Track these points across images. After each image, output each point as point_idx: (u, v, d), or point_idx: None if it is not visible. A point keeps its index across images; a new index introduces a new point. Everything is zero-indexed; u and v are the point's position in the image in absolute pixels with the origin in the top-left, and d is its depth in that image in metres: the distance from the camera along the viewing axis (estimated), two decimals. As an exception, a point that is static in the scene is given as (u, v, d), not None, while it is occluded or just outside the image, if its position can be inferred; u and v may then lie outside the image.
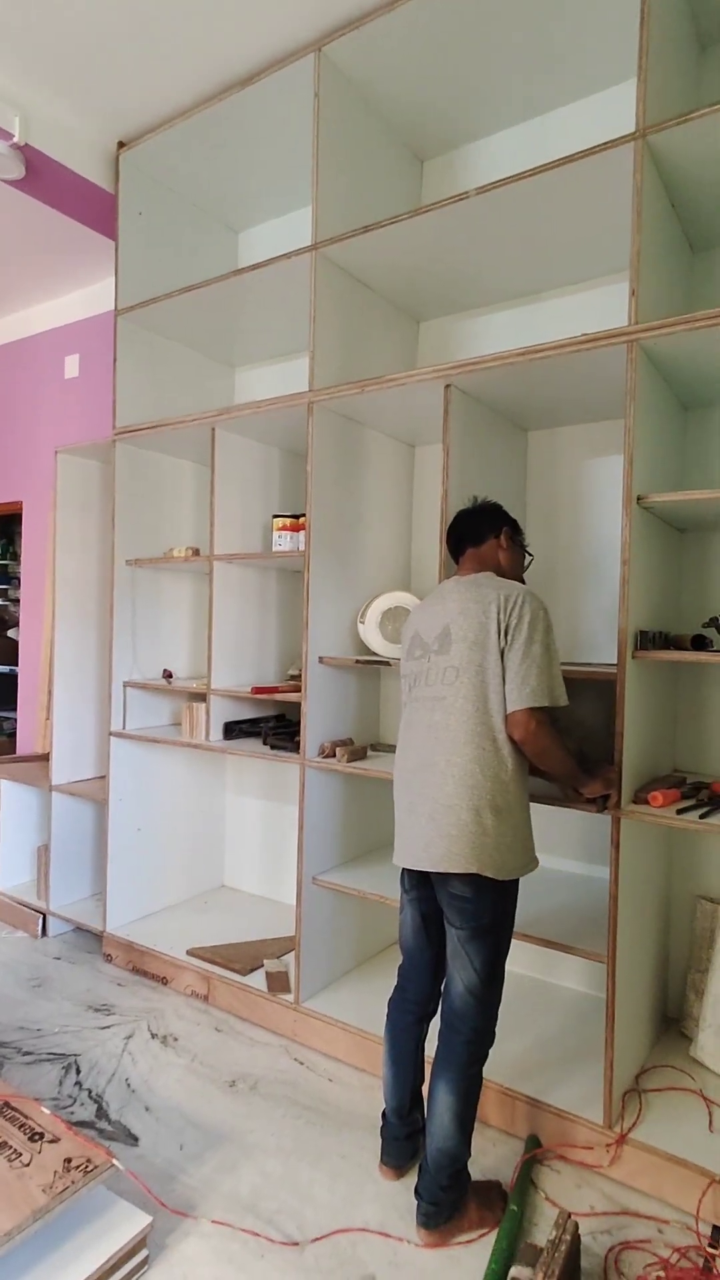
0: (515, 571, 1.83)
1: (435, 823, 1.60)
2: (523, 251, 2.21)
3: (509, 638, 1.59)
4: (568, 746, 1.65)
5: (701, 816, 1.69)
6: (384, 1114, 1.79)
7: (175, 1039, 2.33)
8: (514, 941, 1.71)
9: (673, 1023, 2.20)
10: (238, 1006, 2.45)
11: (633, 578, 1.76)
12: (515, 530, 1.85)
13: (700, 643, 1.88)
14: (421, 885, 1.71)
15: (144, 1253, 1.51)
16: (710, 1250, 1.57)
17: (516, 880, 1.65)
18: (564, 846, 2.40)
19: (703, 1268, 1.52)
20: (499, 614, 1.60)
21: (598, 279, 2.31)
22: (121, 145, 2.75)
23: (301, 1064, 2.22)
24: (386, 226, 2.12)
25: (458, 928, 1.61)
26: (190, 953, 2.63)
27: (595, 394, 2.09)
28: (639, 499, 1.77)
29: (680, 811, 1.72)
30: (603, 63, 2.17)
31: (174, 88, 2.47)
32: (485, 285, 2.43)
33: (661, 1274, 1.50)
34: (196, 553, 2.77)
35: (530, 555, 1.94)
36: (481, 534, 1.81)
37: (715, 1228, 1.62)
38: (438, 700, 1.64)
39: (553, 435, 2.43)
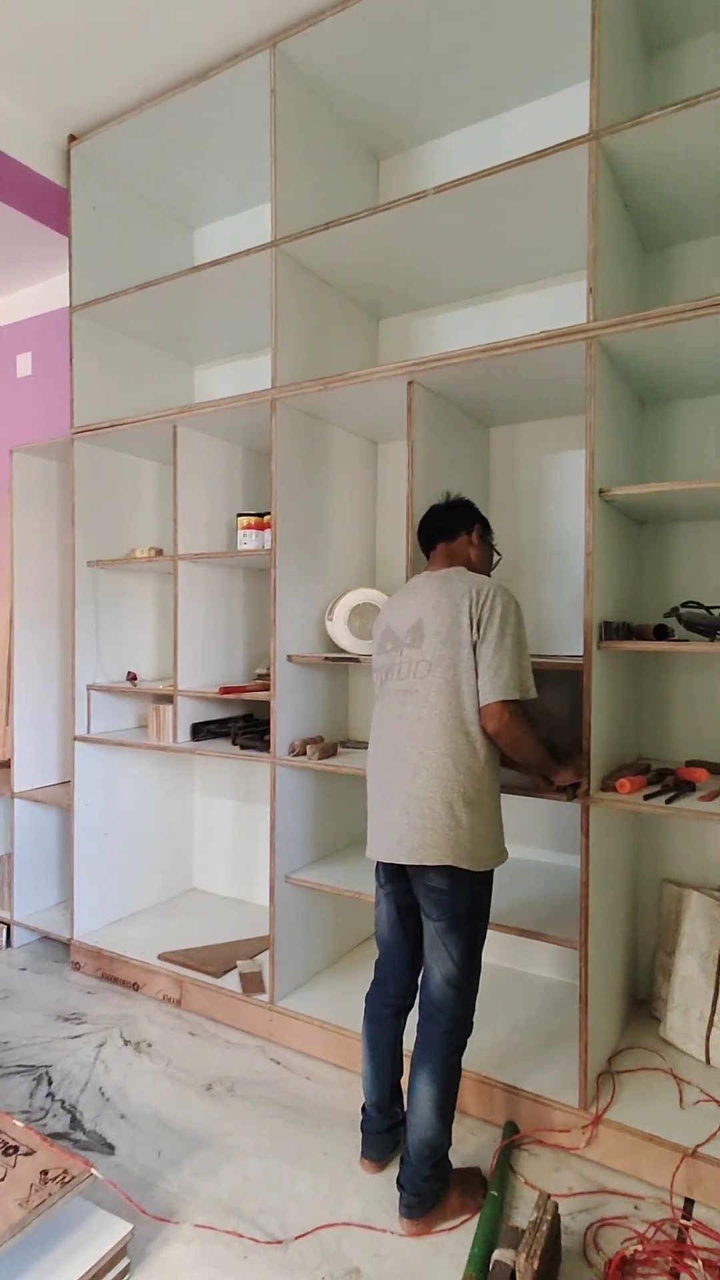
0: (484, 568, 1.86)
1: (409, 815, 1.61)
2: (481, 250, 2.24)
3: (481, 631, 1.60)
4: (540, 737, 1.68)
5: (668, 801, 1.74)
6: (364, 1109, 1.80)
7: (149, 1045, 2.30)
8: (488, 932, 1.73)
9: (642, 1004, 2.25)
10: (212, 1009, 2.43)
11: (596, 570, 1.80)
12: (486, 528, 1.88)
13: (662, 632, 1.93)
14: (397, 879, 1.72)
15: (125, 1261, 1.49)
16: (684, 1222, 1.61)
17: (491, 871, 1.67)
18: (534, 836, 2.44)
19: (677, 1239, 1.57)
20: (471, 607, 1.62)
21: (556, 277, 2.35)
22: (73, 139, 2.70)
23: (279, 1064, 2.21)
24: (346, 224, 2.12)
25: (435, 919, 1.63)
26: (162, 957, 2.59)
27: (555, 390, 2.13)
28: (601, 492, 1.81)
29: (647, 797, 1.77)
30: (555, 65, 2.21)
31: (126, 82, 2.43)
32: (445, 283, 2.46)
33: (639, 1247, 1.54)
34: (160, 553, 2.74)
35: (499, 554, 1.96)
36: (454, 529, 1.82)
37: (688, 1200, 1.67)
38: (409, 693, 1.65)
39: (514, 431, 2.46)
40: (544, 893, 2.16)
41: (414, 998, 1.78)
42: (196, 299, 2.59)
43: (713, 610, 1.91)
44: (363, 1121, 1.80)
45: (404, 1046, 1.79)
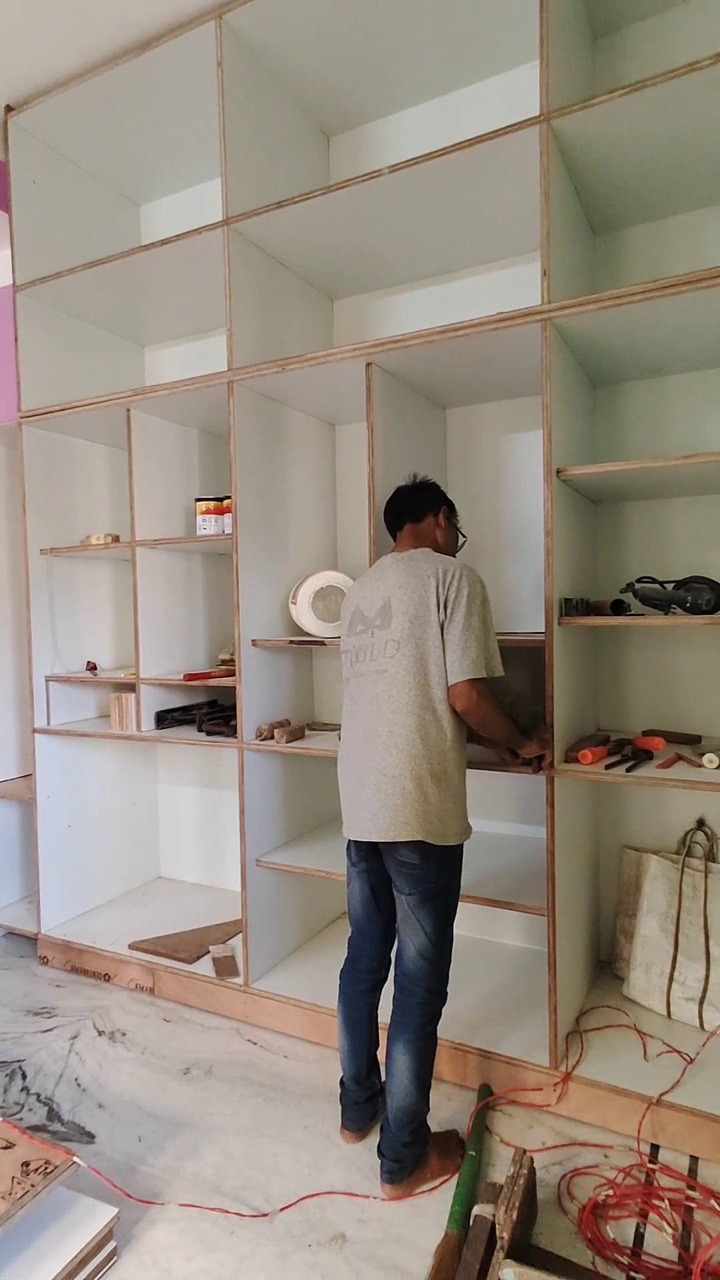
0: (450, 550, 1.88)
1: (380, 793, 1.63)
2: (436, 231, 2.24)
3: (448, 610, 1.63)
4: (506, 712, 1.72)
5: (627, 770, 1.80)
6: (342, 1082, 1.84)
7: (123, 1034, 2.29)
8: (459, 904, 1.78)
9: (605, 966, 2.34)
10: (186, 995, 2.44)
11: (555, 548, 1.84)
12: (452, 510, 1.90)
13: (619, 608, 1.99)
14: (369, 857, 1.75)
15: (112, 1244, 1.49)
16: (650, 1166, 1.70)
17: (461, 845, 1.71)
18: (500, 810, 2.50)
19: (644, 1182, 1.65)
20: (438, 588, 1.64)
21: (510, 259, 2.38)
22: (9, 109, 2.59)
23: (255, 1044, 2.23)
24: (301, 202, 2.10)
25: (407, 894, 1.66)
26: (132, 946, 2.58)
27: (511, 372, 2.16)
28: (558, 472, 1.85)
29: (608, 767, 1.83)
30: (505, 45, 2.21)
31: (65, 50, 2.34)
32: (400, 264, 2.45)
33: (610, 1193, 1.61)
34: (117, 539, 2.69)
35: (464, 536, 1.98)
36: (420, 511, 1.84)
37: (654, 1146, 1.76)
38: (380, 673, 1.67)
39: (471, 412, 2.49)
40: (511, 864, 2.22)
41: (387, 972, 1.82)
42: (146, 278, 2.53)
43: (666, 585, 1.98)
44: (341, 1094, 1.84)
45: (379, 1020, 1.83)
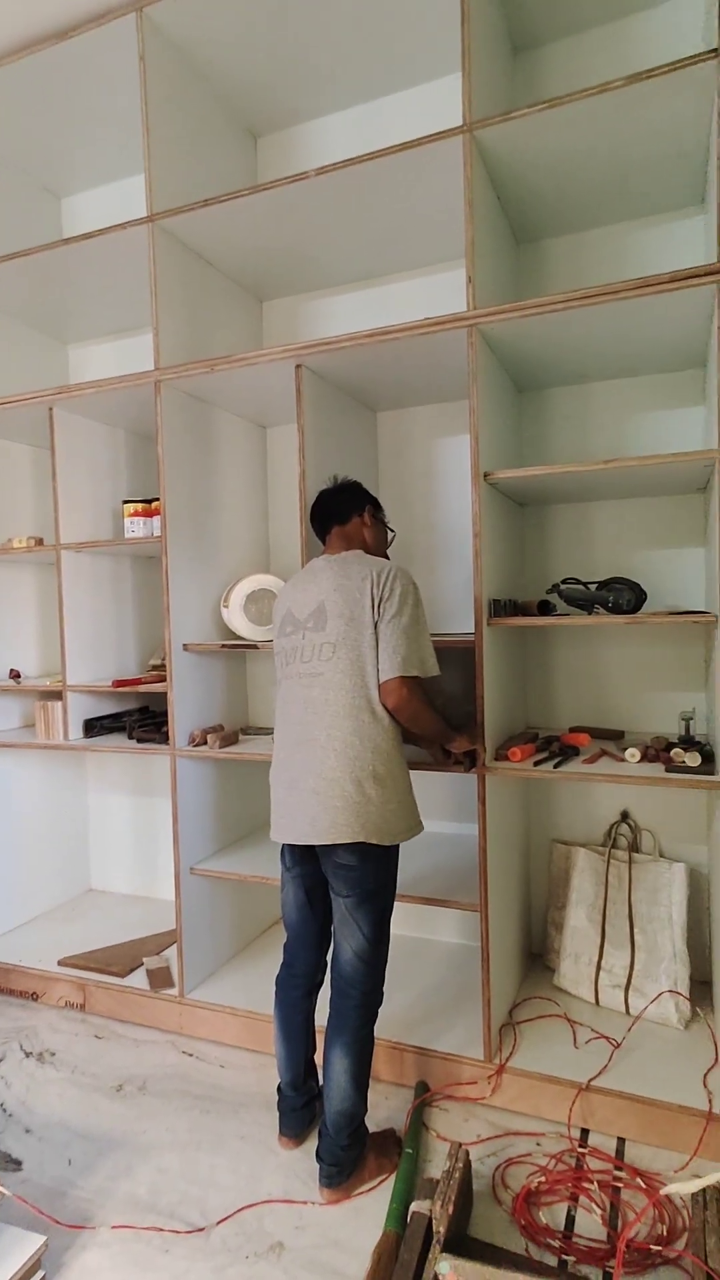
0: (380, 548, 1.89)
1: (319, 796, 1.63)
2: (365, 235, 2.26)
3: (381, 610, 1.64)
4: (437, 708, 1.74)
5: (555, 766, 1.85)
6: (279, 1088, 1.83)
7: (52, 1054, 2.22)
8: (395, 903, 1.79)
9: (537, 958, 2.40)
10: (119, 1010, 2.37)
11: (484, 550, 1.88)
12: (377, 508, 1.91)
13: (545, 608, 2.04)
14: (304, 861, 1.74)
15: (40, 1274, 1.44)
16: (580, 1150, 1.75)
17: (398, 845, 1.72)
18: (433, 809, 2.52)
19: (575, 1166, 1.70)
20: (372, 589, 1.65)
21: (439, 264, 2.41)
22: None
23: (191, 1055, 2.19)
24: (227, 201, 2.08)
25: (345, 896, 1.66)
26: (62, 962, 2.50)
27: (439, 377, 2.19)
28: (485, 475, 1.88)
29: (537, 763, 1.88)
30: (430, 55, 2.25)
31: (-21, 34, 2.25)
32: (330, 266, 2.46)
33: (542, 1179, 1.65)
34: (40, 542, 2.60)
35: (393, 531, 2.00)
36: (346, 513, 1.85)
37: (584, 1130, 1.81)
38: (315, 676, 1.67)
39: (401, 416, 2.51)
40: (445, 862, 2.25)
41: (323, 975, 1.82)
42: (68, 273, 2.45)
43: (590, 586, 2.04)
44: (279, 1101, 1.83)
45: (315, 1024, 1.83)
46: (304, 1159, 1.76)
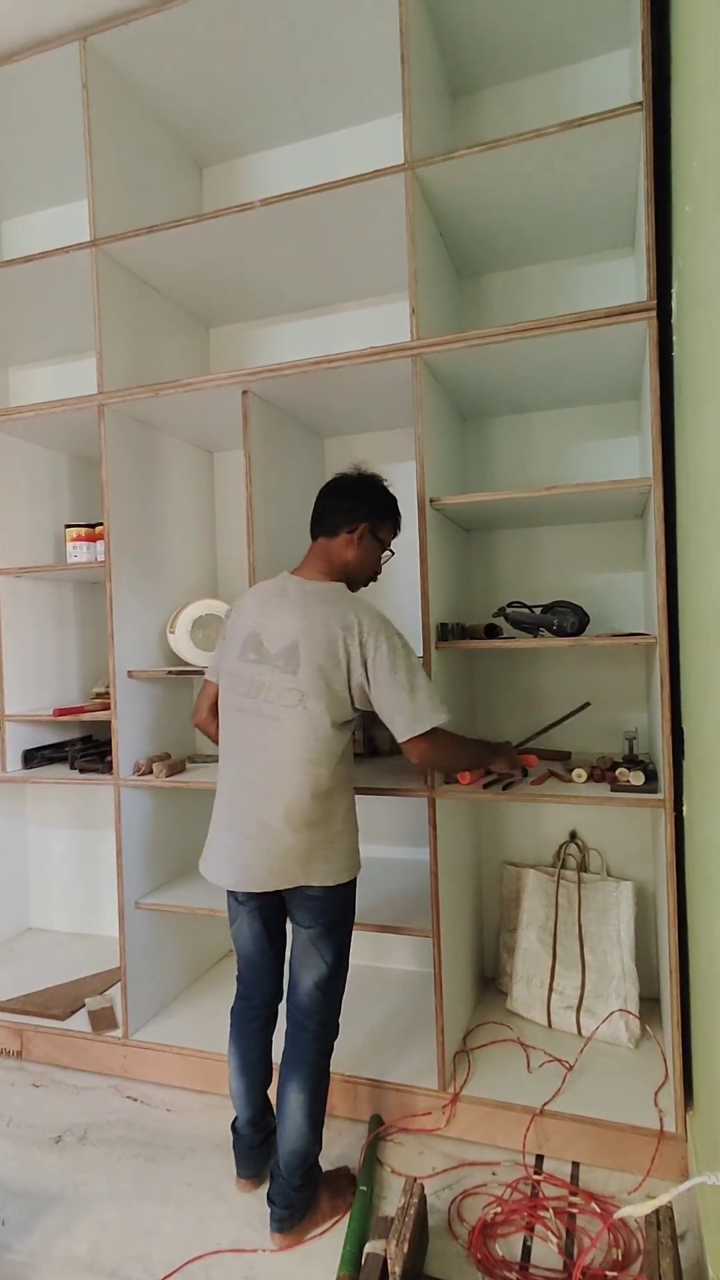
0: (362, 570, 1.73)
1: (257, 843, 1.58)
2: (310, 265, 2.29)
3: (370, 670, 1.54)
4: (466, 744, 1.70)
5: (504, 788, 1.87)
6: (234, 1127, 1.76)
7: (-14, 1107, 2.09)
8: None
9: (490, 982, 2.39)
10: (59, 1055, 2.26)
11: (431, 575, 1.90)
12: (379, 523, 1.72)
13: (492, 631, 2.07)
14: (260, 895, 1.67)
15: (-31, 1349, 1.34)
16: (535, 1177, 1.73)
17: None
18: (383, 834, 2.51)
19: (530, 1194, 1.68)
20: (351, 645, 1.55)
21: (382, 295, 2.46)
22: None
23: (136, 1100, 2.10)
24: (171, 229, 2.08)
25: (308, 926, 1.62)
26: (-3, 1008, 2.38)
27: (385, 404, 2.23)
28: (431, 501, 1.91)
29: (485, 786, 1.89)
30: (372, 95, 2.32)
31: None
32: (275, 295, 2.48)
33: (497, 1210, 1.63)
34: (-23, 567, 2.51)
35: (391, 552, 1.81)
36: (336, 524, 1.69)
37: (538, 1156, 1.80)
38: (273, 720, 1.58)
39: (348, 442, 2.54)
40: (396, 888, 2.23)
41: (278, 1006, 1.77)
42: (8, 296, 2.41)
43: (535, 609, 2.08)
44: (235, 1141, 1.76)
45: (273, 1057, 1.78)
46: (254, 1204, 1.70)
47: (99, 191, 2.14)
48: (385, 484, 1.77)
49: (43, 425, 2.38)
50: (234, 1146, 1.76)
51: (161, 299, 2.44)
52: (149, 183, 2.36)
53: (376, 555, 1.76)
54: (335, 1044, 1.69)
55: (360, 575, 1.74)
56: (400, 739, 1.56)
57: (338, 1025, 1.69)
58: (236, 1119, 1.76)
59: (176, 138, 2.49)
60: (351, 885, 1.67)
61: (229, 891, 1.72)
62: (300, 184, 2.08)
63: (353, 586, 1.74)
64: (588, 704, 2.11)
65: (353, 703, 1.58)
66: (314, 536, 1.73)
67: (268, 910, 1.70)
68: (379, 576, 1.81)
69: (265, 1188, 1.71)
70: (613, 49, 2.17)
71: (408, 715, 1.54)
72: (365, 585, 1.79)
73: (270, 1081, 1.77)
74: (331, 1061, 1.69)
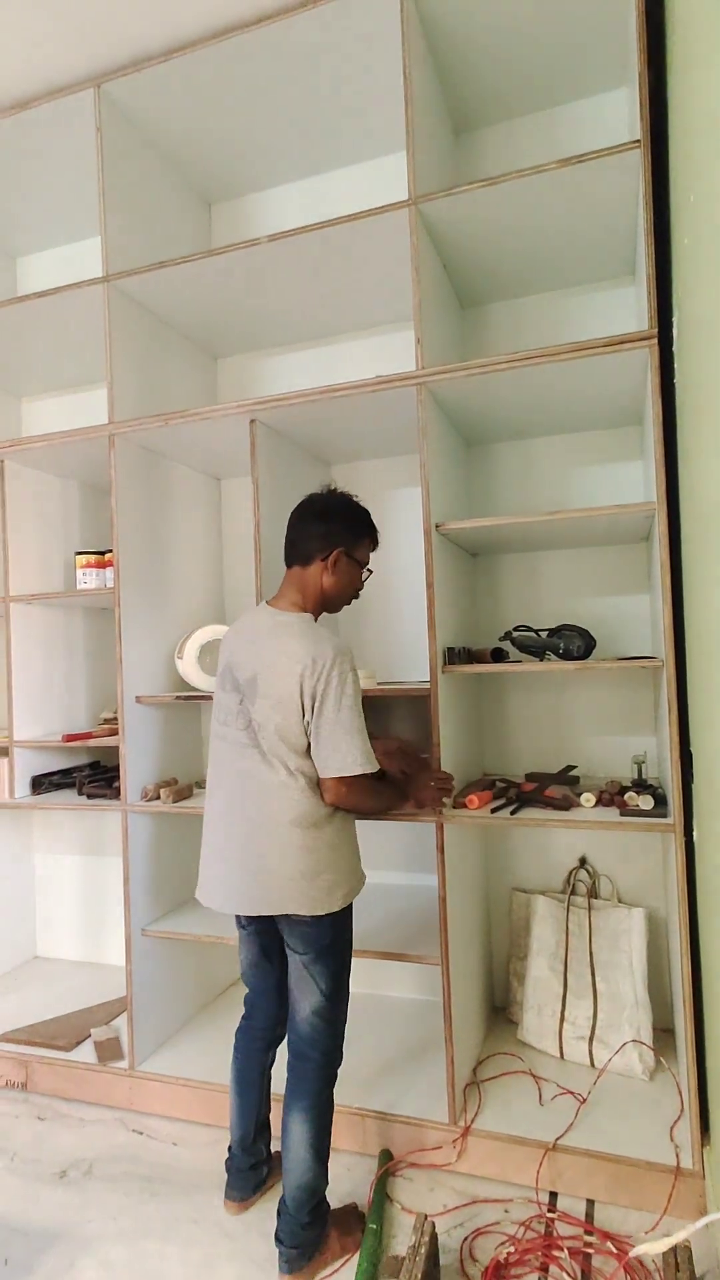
0: (341, 594, 1.71)
1: (244, 869, 1.60)
2: (315, 297, 2.34)
3: (316, 705, 1.54)
4: (378, 789, 1.67)
5: (513, 813, 1.85)
6: (229, 1147, 1.75)
7: (-10, 1140, 2.06)
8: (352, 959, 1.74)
9: (500, 1011, 2.35)
10: (64, 1087, 2.23)
11: (437, 599, 1.91)
12: (352, 546, 1.69)
13: (498, 655, 2.07)
14: (258, 919, 1.69)
15: None
16: (549, 1215, 1.69)
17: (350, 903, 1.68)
18: (388, 860, 2.49)
19: (544, 1233, 1.64)
20: (304, 677, 1.54)
21: (386, 325, 2.51)
22: None
23: (141, 1134, 2.07)
24: (180, 264, 2.13)
25: (301, 953, 1.62)
26: (2, 1038, 2.35)
27: (389, 432, 2.26)
28: (437, 526, 1.93)
29: (494, 810, 1.88)
30: (377, 135, 2.38)
31: (-63, 101, 2.31)
32: (282, 327, 2.53)
33: (510, 1250, 1.59)
34: (-12, 594, 2.54)
35: (369, 571, 1.78)
36: (309, 552, 1.66)
37: (552, 1194, 1.75)
38: (246, 748, 1.61)
39: (353, 469, 2.57)
40: (400, 914, 2.21)
41: (283, 1029, 1.76)
42: (23, 330, 2.47)
43: (541, 633, 2.09)
44: (228, 1160, 1.76)
45: (272, 1082, 1.76)
46: (262, 1243, 1.66)
47: (111, 229, 2.20)
48: (355, 501, 1.74)
49: (55, 455, 2.42)
50: (226, 1165, 1.76)
51: (171, 331, 2.49)
52: (159, 220, 2.42)
53: (356, 576, 1.73)
54: (339, 1073, 1.67)
55: (339, 599, 1.72)
56: (326, 775, 1.56)
57: (341, 1054, 1.67)
58: (231, 1141, 1.76)
59: (185, 177, 2.57)
60: (343, 914, 1.65)
61: (236, 915, 1.73)
62: (306, 220, 2.14)
63: (333, 609, 1.74)
64: (574, 766, 2.17)
65: (305, 733, 1.57)
66: (288, 564, 1.71)
67: (266, 934, 1.71)
68: (359, 594, 1.79)
69: (253, 1214, 1.70)
70: (611, 87, 2.23)
71: (342, 755, 1.53)
72: (347, 604, 1.77)
73: (268, 1105, 1.76)
74: (336, 1092, 1.67)
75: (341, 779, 1.55)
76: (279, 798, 1.57)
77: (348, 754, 1.54)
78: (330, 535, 1.66)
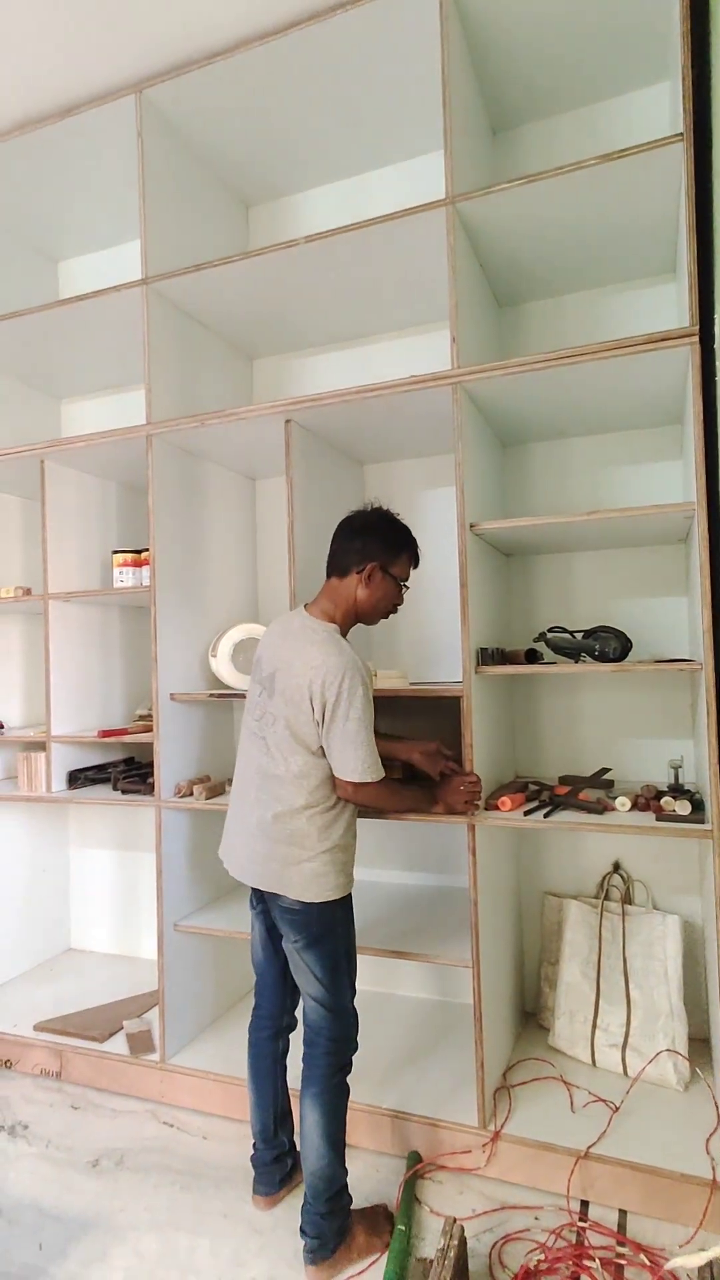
0: (376, 607, 1.75)
1: (250, 847, 1.70)
2: (351, 298, 2.34)
3: (325, 714, 1.60)
4: (397, 791, 1.75)
5: (546, 816, 1.84)
6: (253, 1143, 1.78)
7: (24, 1127, 2.11)
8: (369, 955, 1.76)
9: (530, 1016, 2.33)
10: (96, 1077, 2.27)
11: (470, 599, 1.90)
12: (389, 562, 1.74)
13: (532, 656, 2.05)
14: (262, 900, 1.75)
15: None
16: (580, 1225, 1.67)
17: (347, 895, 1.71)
18: (413, 860, 2.48)
19: (575, 1242, 1.62)
20: (317, 686, 1.60)
21: (421, 325, 2.50)
22: None
23: (172, 1126, 2.09)
24: (219, 266, 2.16)
25: (292, 940, 1.66)
26: (38, 1027, 2.40)
27: (424, 432, 2.25)
28: (471, 526, 1.92)
29: (527, 813, 1.86)
30: (415, 134, 2.38)
31: (-17, 111, 2.36)
32: (317, 327, 2.54)
33: (541, 1257, 1.57)
34: (28, 592, 2.60)
35: (406, 586, 1.82)
36: (346, 565, 1.73)
37: (583, 1202, 1.73)
38: (261, 738, 1.70)
39: (387, 469, 2.57)
40: (427, 915, 2.20)
41: (290, 1018, 1.80)
42: (64, 333, 2.52)
43: (576, 634, 2.06)
44: (253, 1156, 1.78)
45: (287, 1071, 1.79)
46: (291, 1239, 1.67)
47: (150, 232, 2.23)
48: (396, 518, 1.80)
49: (93, 455, 2.46)
50: (251, 1161, 1.80)
51: (207, 333, 2.52)
52: (197, 223, 2.45)
53: (393, 590, 1.77)
54: (356, 1068, 1.69)
55: (374, 612, 1.77)
56: (350, 778, 1.62)
57: (354, 1041, 1.69)
58: (253, 1133, 1.79)
59: (224, 180, 2.59)
60: (333, 907, 1.66)
61: (249, 897, 1.81)
62: (343, 220, 2.14)
63: (368, 621, 1.79)
64: (608, 770, 2.16)
65: (317, 734, 1.64)
66: (327, 575, 1.78)
67: (269, 917, 1.75)
68: (398, 608, 1.83)
69: (281, 1209, 1.74)
70: (652, 82, 2.20)
71: (348, 764, 1.61)
72: (384, 618, 1.82)
73: (286, 1097, 1.80)
74: (354, 1090, 1.69)
75: (355, 784, 1.64)
76: (272, 788, 1.66)
77: (353, 763, 1.61)
78: (367, 550, 1.72)
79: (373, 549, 1.72)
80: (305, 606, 1.78)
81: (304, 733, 1.63)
